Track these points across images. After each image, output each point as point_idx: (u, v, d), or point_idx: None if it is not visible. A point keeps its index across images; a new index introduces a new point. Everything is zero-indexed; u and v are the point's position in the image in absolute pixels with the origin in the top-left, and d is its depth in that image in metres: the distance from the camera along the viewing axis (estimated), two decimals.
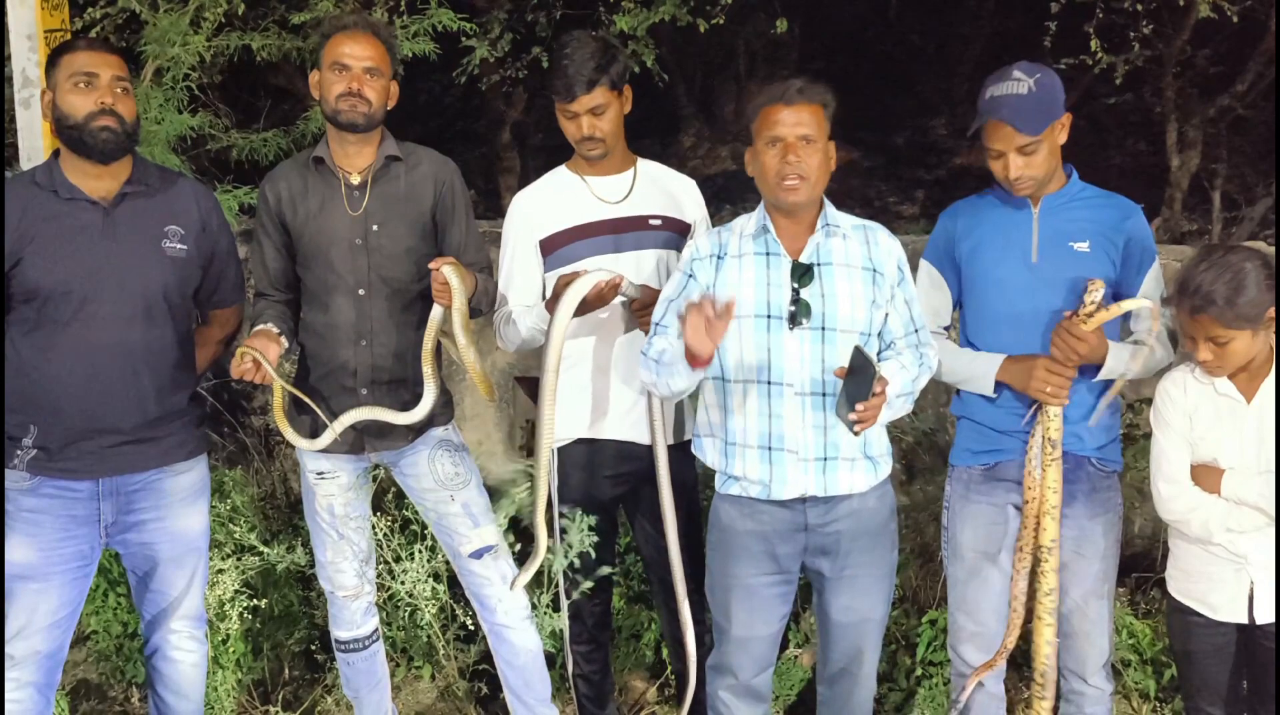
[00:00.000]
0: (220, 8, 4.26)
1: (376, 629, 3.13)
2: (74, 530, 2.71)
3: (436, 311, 2.78)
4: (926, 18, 7.73)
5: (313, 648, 3.70)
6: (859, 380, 2.38)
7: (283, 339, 2.78)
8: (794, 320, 2.55)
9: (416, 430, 2.92)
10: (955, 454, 2.89)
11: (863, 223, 2.70)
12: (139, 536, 2.79)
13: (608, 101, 2.84)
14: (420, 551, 3.20)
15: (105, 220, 2.67)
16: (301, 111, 4.90)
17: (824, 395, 2.55)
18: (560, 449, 2.95)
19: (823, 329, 2.55)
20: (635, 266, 2.88)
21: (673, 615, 2.98)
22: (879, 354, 2.66)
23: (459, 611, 3.27)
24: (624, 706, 3.57)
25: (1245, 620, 2.63)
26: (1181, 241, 5.85)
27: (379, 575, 3.15)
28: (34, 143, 3.44)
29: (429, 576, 3.22)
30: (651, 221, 2.94)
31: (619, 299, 2.79)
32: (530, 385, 4.45)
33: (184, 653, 2.94)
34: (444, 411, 2.97)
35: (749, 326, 2.57)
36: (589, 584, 2.98)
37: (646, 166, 3.03)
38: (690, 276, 2.65)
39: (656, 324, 2.66)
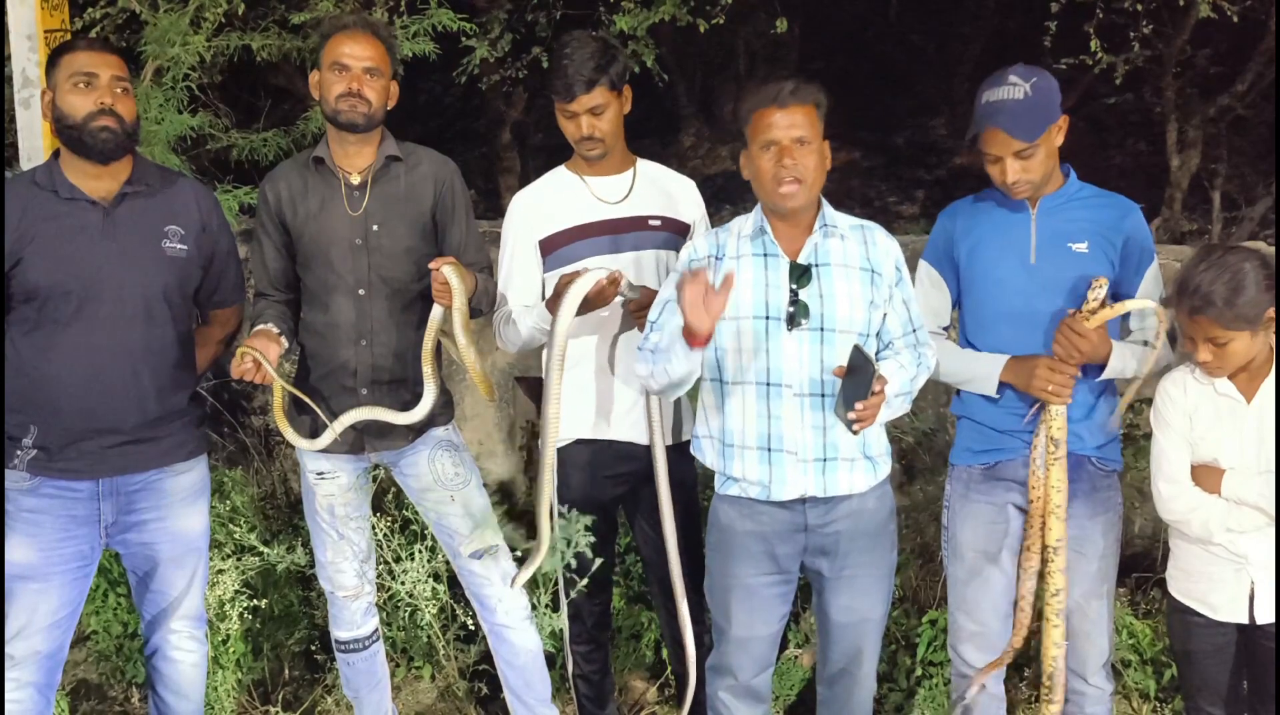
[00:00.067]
0: (220, 8, 4.26)
1: (376, 629, 3.13)
2: (74, 530, 2.71)
3: (436, 311, 2.78)
4: (926, 18, 7.73)
5: (313, 648, 3.70)
6: (858, 380, 2.38)
7: (283, 339, 2.78)
8: (792, 321, 2.55)
9: (417, 430, 2.92)
10: (955, 453, 2.89)
11: (860, 223, 2.69)
12: (139, 536, 2.79)
13: (607, 101, 2.84)
14: (420, 552, 3.20)
15: (105, 220, 2.67)
16: (301, 111, 4.89)
17: (823, 396, 2.55)
18: (560, 449, 2.95)
19: (821, 330, 2.55)
20: (634, 267, 2.88)
21: (672, 616, 2.98)
22: (877, 354, 2.65)
23: (459, 612, 3.27)
24: (624, 707, 3.57)
25: (1245, 620, 2.63)
26: (1181, 241, 5.85)
27: (379, 575, 3.15)
28: (34, 143, 3.45)
29: (429, 577, 3.23)
30: (651, 222, 2.94)
31: (618, 298, 2.79)
32: (530, 385, 4.45)
33: (184, 653, 2.94)
34: (444, 412, 2.97)
35: (747, 328, 2.57)
36: (584, 583, 2.98)
37: (646, 167, 3.03)
38: None
39: (652, 323, 2.65)
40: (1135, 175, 6.69)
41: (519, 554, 3.01)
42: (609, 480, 2.99)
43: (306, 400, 2.80)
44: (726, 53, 7.43)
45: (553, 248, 2.91)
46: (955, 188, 6.63)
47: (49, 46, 3.37)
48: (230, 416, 4.52)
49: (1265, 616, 2.61)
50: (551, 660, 3.17)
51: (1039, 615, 2.76)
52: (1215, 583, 2.66)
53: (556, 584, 3.04)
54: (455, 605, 3.30)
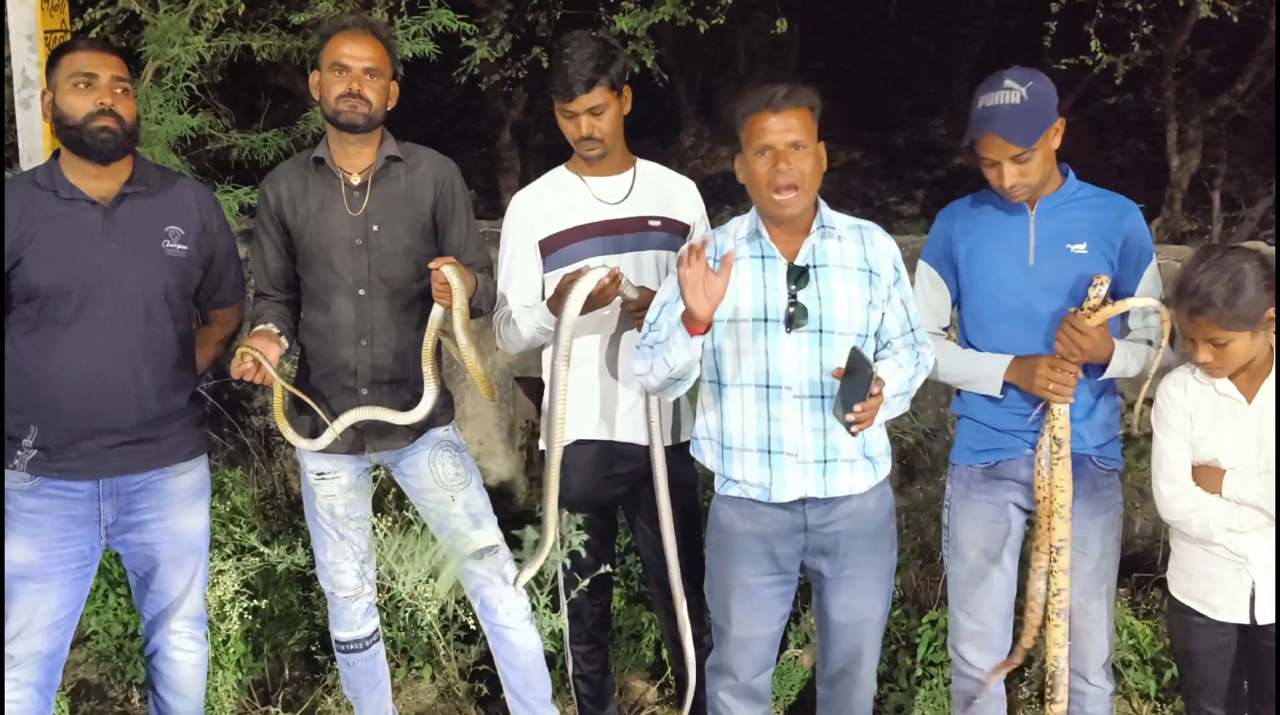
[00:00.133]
0: (220, 8, 4.26)
1: (377, 629, 3.13)
2: (74, 530, 2.71)
3: (437, 311, 2.78)
4: (926, 18, 7.72)
5: (313, 648, 3.70)
6: (856, 381, 2.38)
7: (283, 339, 2.78)
8: (791, 323, 2.54)
9: (417, 430, 2.92)
10: (956, 453, 2.89)
11: (857, 222, 2.68)
12: (139, 537, 2.79)
13: (607, 101, 2.84)
14: (420, 552, 3.20)
15: (105, 220, 2.67)
16: (302, 112, 4.90)
17: (822, 398, 2.54)
18: None
19: (820, 331, 2.54)
20: (634, 267, 2.88)
21: (672, 616, 2.98)
22: (875, 354, 2.65)
23: (459, 612, 3.27)
24: (624, 707, 3.57)
25: (1246, 620, 2.63)
26: (1181, 241, 5.85)
27: (379, 576, 3.15)
28: (34, 143, 3.44)
29: (429, 577, 3.22)
30: (650, 222, 2.94)
31: (618, 298, 2.79)
32: (530, 385, 4.45)
33: (184, 653, 2.94)
34: (444, 412, 2.97)
35: (746, 330, 2.56)
36: (585, 583, 2.98)
37: (646, 167, 3.03)
38: None
39: (650, 324, 2.65)
40: (1135, 175, 6.69)
41: (518, 556, 3.01)
42: (609, 480, 2.99)
43: (307, 400, 2.80)
44: (726, 53, 7.43)
45: (552, 248, 2.91)
46: (955, 188, 6.63)
47: (49, 47, 3.37)
48: (230, 417, 4.52)
49: (1266, 616, 2.61)
50: (552, 660, 3.17)
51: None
52: (1216, 583, 2.66)
53: (556, 584, 3.04)
54: (456, 605, 3.30)
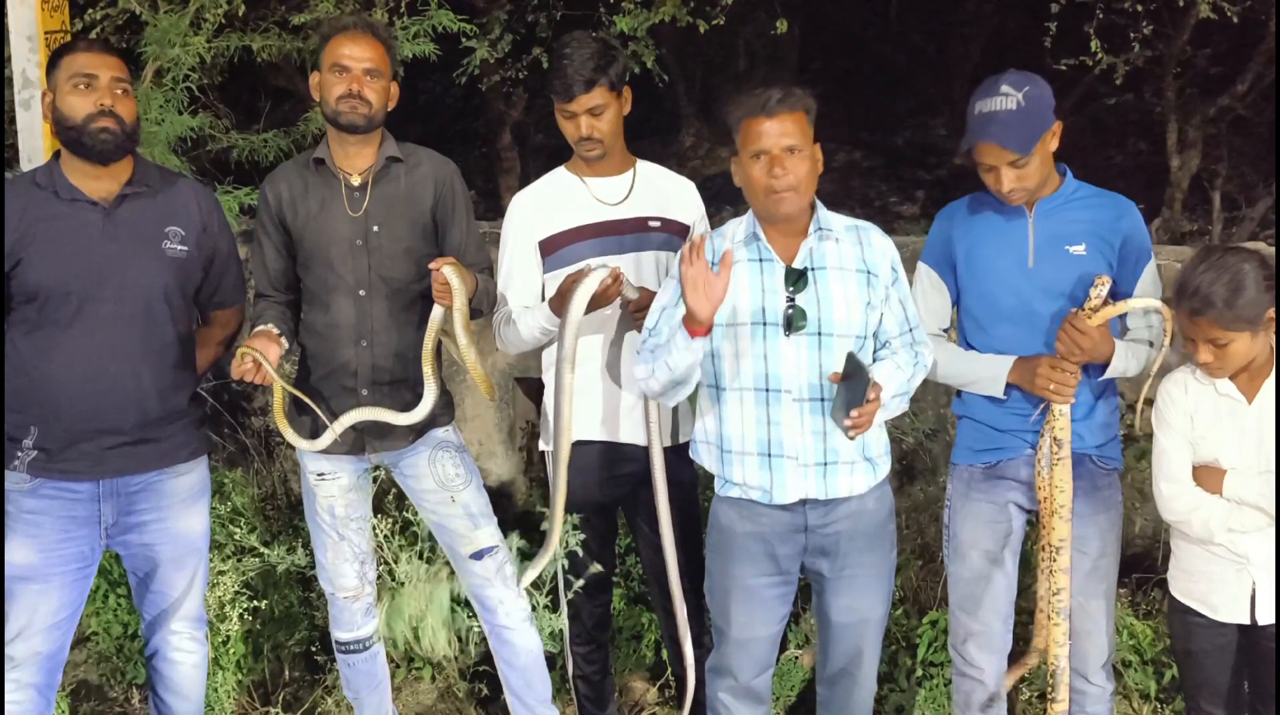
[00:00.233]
0: (220, 9, 4.26)
1: (377, 630, 3.13)
2: (74, 531, 2.71)
3: (437, 312, 2.78)
4: (926, 18, 7.73)
5: (313, 649, 3.70)
6: (853, 385, 2.38)
7: (283, 340, 2.78)
8: (790, 326, 2.54)
9: (417, 431, 2.92)
10: (956, 452, 2.89)
11: (854, 223, 2.68)
12: (139, 538, 2.79)
13: (606, 102, 2.84)
14: (420, 552, 3.19)
15: (106, 221, 2.67)
16: (302, 112, 4.90)
17: (822, 400, 2.54)
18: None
19: (819, 334, 2.54)
20: (634, 268, 2.88)
21: (672, 617, 2.98)
22: (874, 354, 2.65)
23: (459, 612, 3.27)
24: (624, 707, 3.57)
25: (1247, 620, 2.63)
26: (1181, 242, 5.85)
27: (379, 576, 3.15)
28: (34, 144, 3.45)
29: (429, 577, 3.22)
30: (650, 223, 2.94)
31: (619, 298, 2.78)
32: (530, 386, 4.45)
33: (184, 654, 2.94)
34: (445, 412, 2.97)
35: (744, 333, 2.56)
36: (580, 583, 2.98)
37: (645, 168, 3.03)
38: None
39: (649, 330, 2.64)
40: (1135, 175, 6.70)
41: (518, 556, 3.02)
42: (610, 481, 2.98)
43: (307, 401, 2.80)
44: (726, 53, 7.44)
45: (552, 249, 2.91)
46: (955, 188, 6.62)
47: (49, 48, 3.37)
48: (230, 417, 4.52)
49: (1266, 617, 2.61)
50: (552, 661, 3.17)
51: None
52: (1216, 583, 2.66)
53: (555, 580, 3.03)
54: (456, 606, 3.30)
